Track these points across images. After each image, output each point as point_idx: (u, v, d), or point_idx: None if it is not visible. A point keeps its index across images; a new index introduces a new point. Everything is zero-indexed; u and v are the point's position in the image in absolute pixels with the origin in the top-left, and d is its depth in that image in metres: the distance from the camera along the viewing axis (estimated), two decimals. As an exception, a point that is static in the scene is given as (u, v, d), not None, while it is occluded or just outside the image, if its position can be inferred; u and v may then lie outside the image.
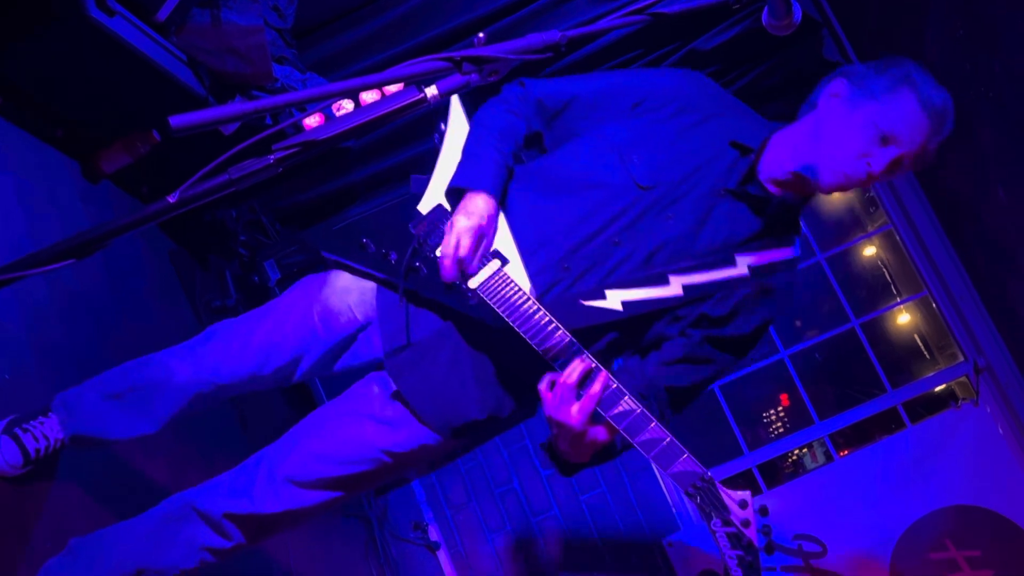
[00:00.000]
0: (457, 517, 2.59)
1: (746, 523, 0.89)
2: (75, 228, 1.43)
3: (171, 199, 0.76)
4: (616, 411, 0.93)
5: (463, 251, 0.99)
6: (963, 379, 2.69)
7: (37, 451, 1.16)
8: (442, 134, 1.16)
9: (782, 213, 1.10)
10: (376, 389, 1.17)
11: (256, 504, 1.14)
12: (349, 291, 1.16)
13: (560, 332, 0.97)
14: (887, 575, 2.50)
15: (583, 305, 1.04)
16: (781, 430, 3.86)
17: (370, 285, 1.15)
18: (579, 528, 2.52)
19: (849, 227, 3.19)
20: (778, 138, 1.09)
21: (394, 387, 1.14)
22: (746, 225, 1.09)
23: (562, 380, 0.93)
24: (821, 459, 3.20)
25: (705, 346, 1.10)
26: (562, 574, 2.48)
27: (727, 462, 2.72)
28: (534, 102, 1.16)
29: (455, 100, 1.16)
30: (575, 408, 0.92)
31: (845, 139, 1.02)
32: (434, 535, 2.56)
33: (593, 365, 0.94)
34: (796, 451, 3.47)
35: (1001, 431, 2.57)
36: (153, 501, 1.24)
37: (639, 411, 0.93)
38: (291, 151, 0.76)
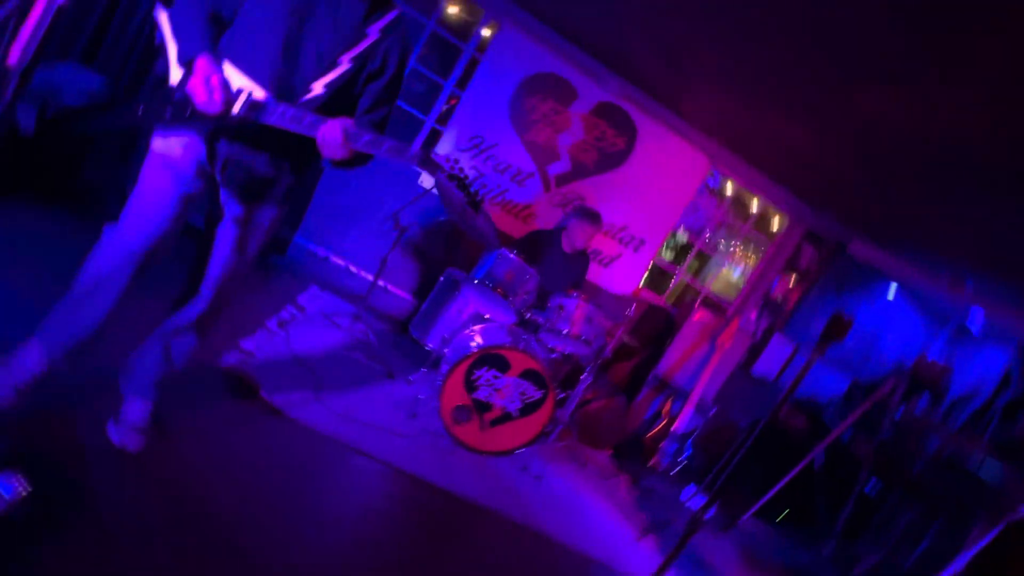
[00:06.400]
0: None
1: (454, 166, 1.71)
2: None
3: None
4: (364, 140, 1.58)
5: (208, 97, 1.53)
6: None
7: None
8: (160, 36, 1.63)
9: None
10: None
11: None
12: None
13: (308, 114, 1.58)
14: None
15: (307, 97, 1.64)
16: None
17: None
18: None
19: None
20: None
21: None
22: (361, 9, 1.66)
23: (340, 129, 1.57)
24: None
25: (379, 93, 1.75)
26: None
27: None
28: None
29: (160, 15, 1.63)
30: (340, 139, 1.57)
31: None
32: None
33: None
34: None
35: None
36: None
37: (373, 137, 1.59)
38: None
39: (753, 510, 4.32)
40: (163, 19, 1.65)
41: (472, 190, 1.82)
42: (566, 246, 3.94)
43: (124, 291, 1.63)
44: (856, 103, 2.83)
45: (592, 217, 3.86)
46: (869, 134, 3.08)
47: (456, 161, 1.71)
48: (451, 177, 1.70)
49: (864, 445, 4.58)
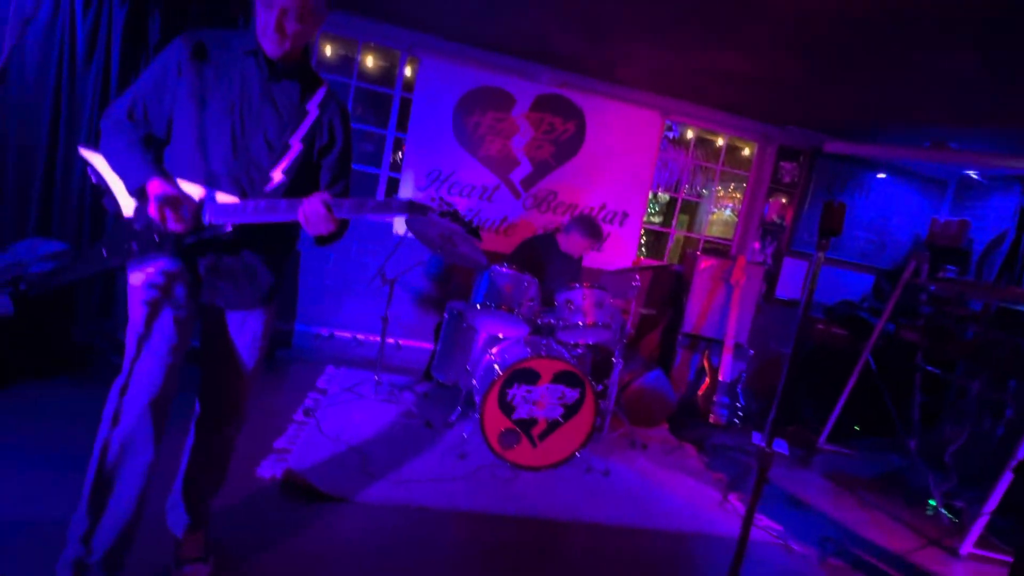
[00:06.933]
0: None
1: (441, 203, 1.71)
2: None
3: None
4: (347, 206, 1.55)
5: (175, 217, 1.49)
6: None
7: None
8: (97, 174, 1.63)
9: (301, 71, 1.67)
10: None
11: None
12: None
13: (280, 201, 1.57)
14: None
15: (271, 187, 1.63)
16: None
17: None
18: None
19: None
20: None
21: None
22: (296, 89, 1.67)
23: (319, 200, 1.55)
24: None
25: (335, 164, 1.76)
26: None
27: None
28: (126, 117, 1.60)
29: (88, 154, 1.65)
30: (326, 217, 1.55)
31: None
32: None
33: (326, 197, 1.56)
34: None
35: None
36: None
37: (354, 201, 1.56)
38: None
39: (826, 434, 4.22)
40: (95, 158, 1.63)
41: (467, 219, 1.81)
42: (563, 246, 3.92)
43: (151, 460, 1.57)
44: (768, 1, 2.81)
45: (592, 231, 3.81)
46: (795, 29, 3.06)
47: (441, 198, 1.68)
48: (443, 214, 1.68)
49: (910, 330, 4.48)
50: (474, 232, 1.81)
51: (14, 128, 3.60)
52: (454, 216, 1.69)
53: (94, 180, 1.65)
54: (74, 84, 3.61)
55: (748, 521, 1.68)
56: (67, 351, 3.17)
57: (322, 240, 1.67)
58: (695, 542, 2.65)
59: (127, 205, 1.61)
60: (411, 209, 1.55)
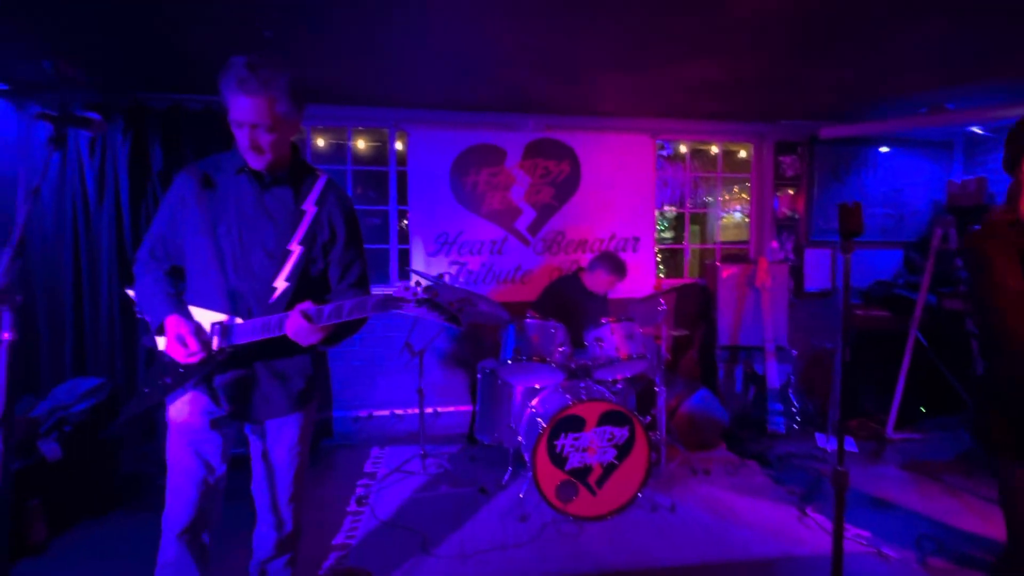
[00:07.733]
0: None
1: (416, 290, 1.52)
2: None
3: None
4: (327, 314, 1.53)
5: (187, 351, 1.55)
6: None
7: None
8: (140, 310, 1.69)
9: (293, 172, 1.69)
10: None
11: None
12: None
13: (272, 317, 1.58)
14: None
15: (274, 298, 1.62)
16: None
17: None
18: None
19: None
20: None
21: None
22: (288, 193, 1.67)
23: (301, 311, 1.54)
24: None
25: (343, 256, 1.73)
26: None
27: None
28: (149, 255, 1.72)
29: (131, 293, 1.74)
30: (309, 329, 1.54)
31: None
32: None
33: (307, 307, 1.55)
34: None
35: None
36: None
37: (333, 307, 1.53)
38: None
39: (892, 422, 4.02)
40: (134, 295, 1.72)
41: (446, 303, 1.74)
42: (589, 285, 3.91)
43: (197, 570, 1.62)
44: (726, 3, 2.84)
45: (616, 267, 3.81)
46: (760, 25, 3.07)
47: (417, 283, 1.55)
48: (419, 303, 1.54)
49: (953, 299, 4.32)
50: (454, 320, 1.67)
51: (41, 277, 3.75)
52: (432, 304, 1.54)
53: (139, 316, 1.72)
54: (89, 223, 3.78)
55: (838, 542, 1.58)
56: (117, 483, 3.19)
57: (326, 343, 1.62)
58: (782, 567, 2.50)
59: (160, 340, 1.66)
60: (385, 307, 1.51)
